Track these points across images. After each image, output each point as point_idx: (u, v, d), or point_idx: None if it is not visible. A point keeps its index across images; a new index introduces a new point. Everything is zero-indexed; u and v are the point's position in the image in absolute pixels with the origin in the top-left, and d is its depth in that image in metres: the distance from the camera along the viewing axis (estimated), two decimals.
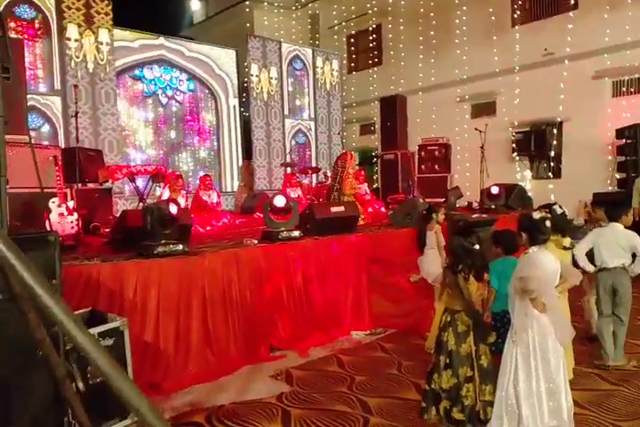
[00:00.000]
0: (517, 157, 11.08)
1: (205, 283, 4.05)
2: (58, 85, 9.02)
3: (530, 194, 9.03)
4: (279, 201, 4.95)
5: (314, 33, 16.14)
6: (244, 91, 12.49)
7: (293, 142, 12.84)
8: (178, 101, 11.63)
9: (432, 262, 4.78)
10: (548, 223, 2.83)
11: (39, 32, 8.88)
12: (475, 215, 6.84)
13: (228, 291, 4.19)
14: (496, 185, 7.85)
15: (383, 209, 9.05)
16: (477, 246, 3.00)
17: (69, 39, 9.09)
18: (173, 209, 4.01)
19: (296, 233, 4.97)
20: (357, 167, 7.24)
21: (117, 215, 6.17)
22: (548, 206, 3.74)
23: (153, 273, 3.78)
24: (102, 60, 9.41)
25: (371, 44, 14.38)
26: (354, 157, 7.07)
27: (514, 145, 11.07)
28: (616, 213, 3.92)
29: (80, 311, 2.98)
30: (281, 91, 12.43)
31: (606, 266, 3.87)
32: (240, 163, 12.52)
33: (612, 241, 3.86)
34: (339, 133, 13.54)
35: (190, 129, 11.94)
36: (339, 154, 13.40)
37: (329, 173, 10.80)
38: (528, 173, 11.07)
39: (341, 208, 5.61)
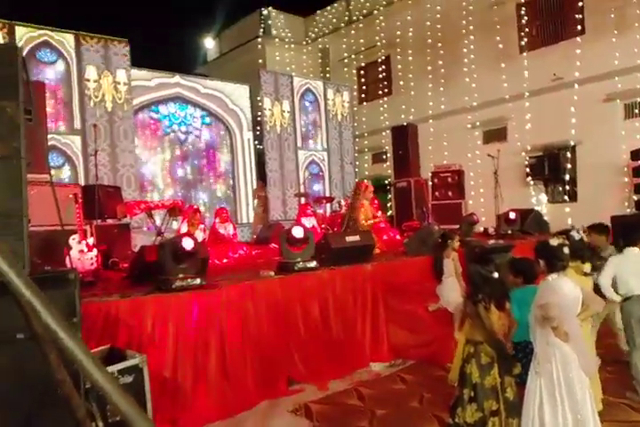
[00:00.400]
0: (532, 182, 11.03)
1: (222, 316, 4.05)
2: (78, 125, 9.31)
3: (546, 218, 8.94)
4: (297, 232, 4.95)
5: (324, 66, 16.54)
6: (257, 124, 12.75)
7: (307, 173, 12.98)
8: (196, 136, 11.91)
9: (451, 290, 4.73)
10: (565, 250, 2.79)
11: (59, 74, 9.24)
12: (491, 241, 6.77)
13: (244, 324, 4.18)
14: (512, 210, 7.81)
15: (398, 237, 9.01)
16: (496, 274, 2.96)
17: (88, 80, 9.44)
18: (188, 244, 4.03)
19: (312, 264, 4.96)
20: (372, 195, 7.05)
21: (136, 250, 6.23)
22: (566, 232, 3.69)
23: (171, 307, 3.79)
24: (120, 100, 9.72)
25: (380, 75, 14.65)
26: (369, 186, 6.88)
27: (527, 169, 11.04)
28: (634, 238, 3.85)
29: (99, 349, 2.99)
30: (293, 123, 12.67)
31: (632, 294, 3.77)
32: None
33: (636, 267, 3.77)
34: (351, 163, 13.69)
35: (206, 164, 12.16)
36: (352, 183, 13.58)
37: (342, 202, 10.86)
38: (543, 197, 10.99)
39: (357, 237, 5.61)
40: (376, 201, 9.45)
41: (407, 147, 12.21)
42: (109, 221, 7.07)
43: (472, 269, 3.03)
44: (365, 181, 7.69)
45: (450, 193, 11.35)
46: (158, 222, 7.16)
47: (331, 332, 4.79)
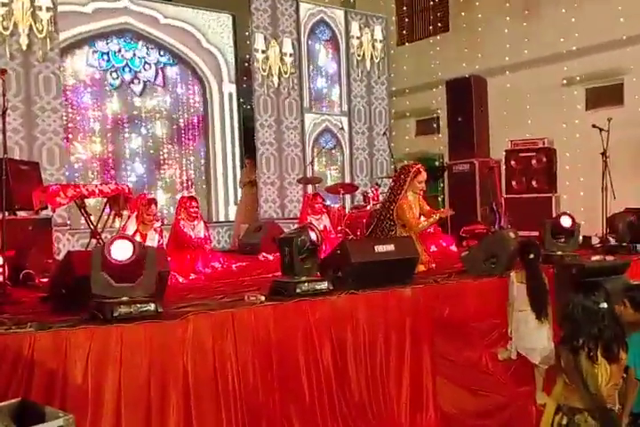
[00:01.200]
0: None
1: (188, 360, 4.07)
2: None
3: None
4: (313, 236, 4.96)
5: None
6: (244, 73, 12.76)
7: (318, 147, 12.98)
8: (151, 87, 11.97)
9: (535, 330, 4.74)
10: None
11: None
12: (595, 257, 6.76)
13: (221, 373, 4.21)
14: (628, 210, 7.78)
15: (453, 247, 9.01)
16: (605, 305, 2.96)
17: None
18: (120, 252, 3.98)
19: (322, 285, 4.98)
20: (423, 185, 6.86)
21: (60, 258, 6.26)
22: None
23: (111, 346, 3.82)
24: (41, 33, 9.76)
25: (432, 2, 14.62)
26: (422, 172, 6.78)
27: None
28: None
29: (6, 403, 3.01)
30: (299, 72, 12.67)
31: None
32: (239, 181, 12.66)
33: None
34: (384, 134, 13.63)
35: (165, 132, 12.23)
36: (385, 163, 13.55)
37: (370, 193, 10.86)
38: None
39: (390, 247, 5.61)
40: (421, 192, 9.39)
41: (471, 111, 12.18)
42: (21, 215, 7.10)
43: (570, 300, 3.03)
44: (412, 163, 7.52)
45: (534, 183, 11.31)
46: (94, 218, 7.20)
47: (349, 389, 4.81)
